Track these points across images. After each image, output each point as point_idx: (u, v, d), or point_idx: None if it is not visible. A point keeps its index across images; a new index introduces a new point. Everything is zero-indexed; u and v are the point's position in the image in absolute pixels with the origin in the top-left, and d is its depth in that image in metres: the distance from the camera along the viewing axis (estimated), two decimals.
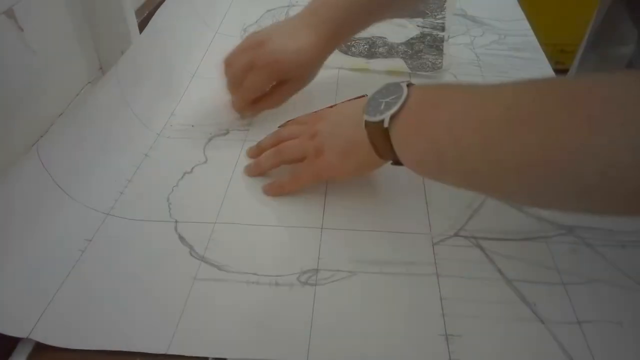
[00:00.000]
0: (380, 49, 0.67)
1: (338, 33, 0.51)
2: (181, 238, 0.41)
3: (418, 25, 0.71)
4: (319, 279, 0.38)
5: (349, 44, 0.67)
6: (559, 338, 0.34)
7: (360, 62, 0.64)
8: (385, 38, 0.69)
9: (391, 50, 0.66)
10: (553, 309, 0.36)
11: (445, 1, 0.76)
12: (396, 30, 0.71)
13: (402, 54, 0.66)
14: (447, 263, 0.39)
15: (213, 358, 0.33)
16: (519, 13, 0.75)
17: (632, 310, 0.36)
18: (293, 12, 0.76)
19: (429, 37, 0.69)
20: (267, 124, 0.54)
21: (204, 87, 0.60)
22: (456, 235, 0.42)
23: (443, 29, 0.71)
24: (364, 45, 0.67)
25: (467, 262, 0.39)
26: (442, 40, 0.68)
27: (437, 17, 0.74)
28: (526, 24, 0.72)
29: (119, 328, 0.35)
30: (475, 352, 0.34)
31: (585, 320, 0.35)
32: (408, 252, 0.40)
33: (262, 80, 0.50)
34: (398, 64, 0.64)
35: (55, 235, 0.40)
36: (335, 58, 0.59)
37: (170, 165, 0.48)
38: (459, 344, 0.34)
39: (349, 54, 0.65)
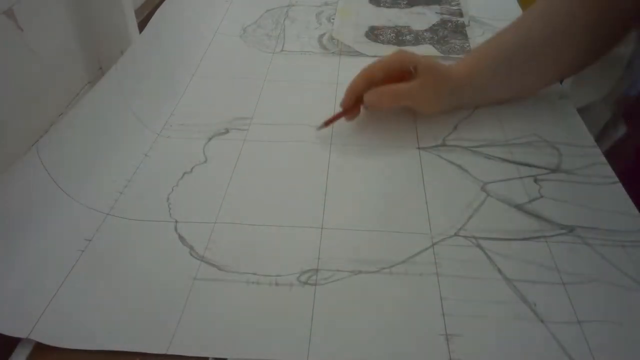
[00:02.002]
0: (407, 37, 0.69)
1: (475, 68, 0.52)
2: (181, 238, 0.41)
3: (436, 12, 0.75)
4: (319, 279, 0.38)
5: (376, 32, 0.70)
6: (559, 338, 0.34)
7: (392, 49, 0.66)
8: (409, 26, 0.72)
9: (417, 38, 0.69)
10: (553, 309, 0.36)
11: None
12: (417, 18, 0.74)
13: (428, 40, 0.69)
14: (447, 263, 0.39)
15: (213, 358, 0.33)
16: (519, 13, 0.75)
17: (632, 310, 0.36)
18: (293, 12, 0.76)
19: (450, 24, 0.72)
20: (267, 124, 0.54)
21: (204, 87, 0.60)
22: (456, 235, 0.42)
23: (461, 14, 0.74)
24: (390, 34, 0.70)
25: (467, 262, 0.39)
26: (463, 25, 0.72)
27: (452, 3, 0.77)
28: None
29: (119, 328, 0.35)
30: (475, 352, 0.34)
31: (585, 320, 0.35)
32: (408, 252, 0.40)
33: (382, 64, 0.51)
34: (429, 49, 0.66)
35: (55, 235, 0.40)
36: (368, 47, 0.66)
37: (170, 165, 0.48)
38: (459, 344, 0.34)
39: (378, 42, 0.68)
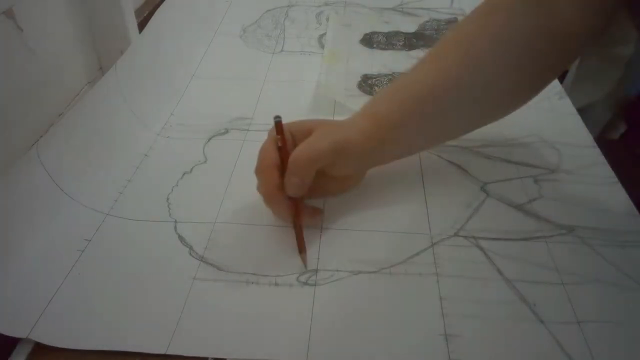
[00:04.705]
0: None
1: (384, 125, 0.42)
2: (181, 238, 0.41)
3: None
4: (318, 279, 0.38)
5: (370, 82, 0.60)
6: (559, 338, 0.34)
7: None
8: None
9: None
10: (553, 309, 0.36)
11: None
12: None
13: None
14: (447, 263, 0.39)
15: (213, 358, 0.33)
16: None
17: (632, 310, 0.36)
18: (293, 12, 0.76)
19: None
20: (267, 124, 0.54)
21: (204, 87, 0.60)
22: (456, 235, 0.42)
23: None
24: (387, 83, 0.60)
25: (467, 262, 0.39)
26: None
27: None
28: None
29: (119, 328, 0.35)
30: (475, 352, 0.34)
31: (585, 320, 0.35)
32: (408, 252, 0.40)
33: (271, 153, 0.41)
34: None
35: (55, 235, 0.40)
36: (362, 101, 0.48)
37: (169, 165, 0.48)
38: (458, 344, 0.34)
39: (373, 94, 0.58)
